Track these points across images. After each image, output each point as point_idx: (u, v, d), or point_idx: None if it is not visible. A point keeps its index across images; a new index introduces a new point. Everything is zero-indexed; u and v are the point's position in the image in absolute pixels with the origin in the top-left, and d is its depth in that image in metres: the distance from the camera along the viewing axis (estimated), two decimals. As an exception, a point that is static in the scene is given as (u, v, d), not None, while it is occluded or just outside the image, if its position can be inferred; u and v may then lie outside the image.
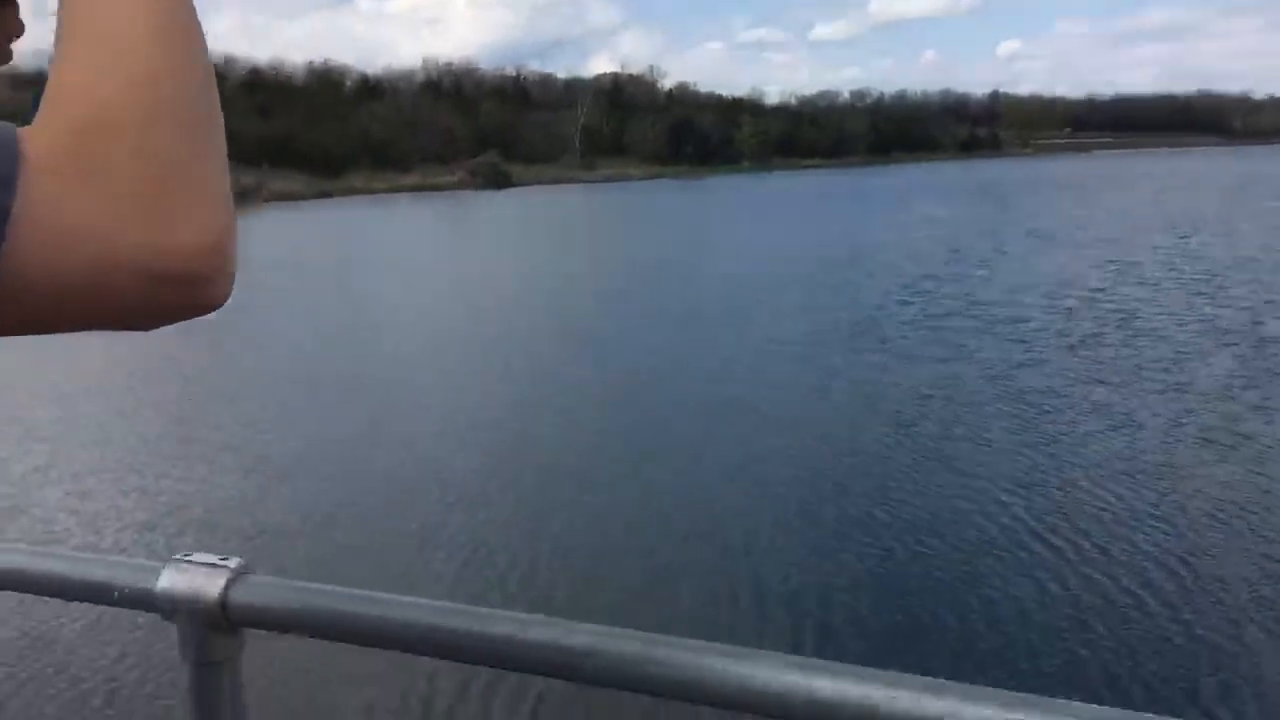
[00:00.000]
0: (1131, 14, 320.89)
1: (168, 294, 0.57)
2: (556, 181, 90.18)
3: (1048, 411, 11.08)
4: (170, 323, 0.60)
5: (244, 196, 60.07)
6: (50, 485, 9.76)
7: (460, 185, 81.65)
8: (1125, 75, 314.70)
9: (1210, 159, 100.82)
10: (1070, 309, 17.03)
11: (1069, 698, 0.82)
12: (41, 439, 11.18)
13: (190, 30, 0.62)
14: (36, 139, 0.54)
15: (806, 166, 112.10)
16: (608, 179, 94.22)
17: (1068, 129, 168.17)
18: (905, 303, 18.40)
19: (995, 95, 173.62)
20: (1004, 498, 8.53)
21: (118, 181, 0.55)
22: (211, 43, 0.67)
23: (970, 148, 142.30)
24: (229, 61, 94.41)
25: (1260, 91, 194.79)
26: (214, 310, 0.61)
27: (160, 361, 15.06)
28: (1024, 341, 14.64)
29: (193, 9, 0.64)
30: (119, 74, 0.58)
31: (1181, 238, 27.33)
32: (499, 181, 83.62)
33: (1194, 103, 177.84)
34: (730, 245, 31.06)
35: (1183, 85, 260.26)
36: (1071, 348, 14.10)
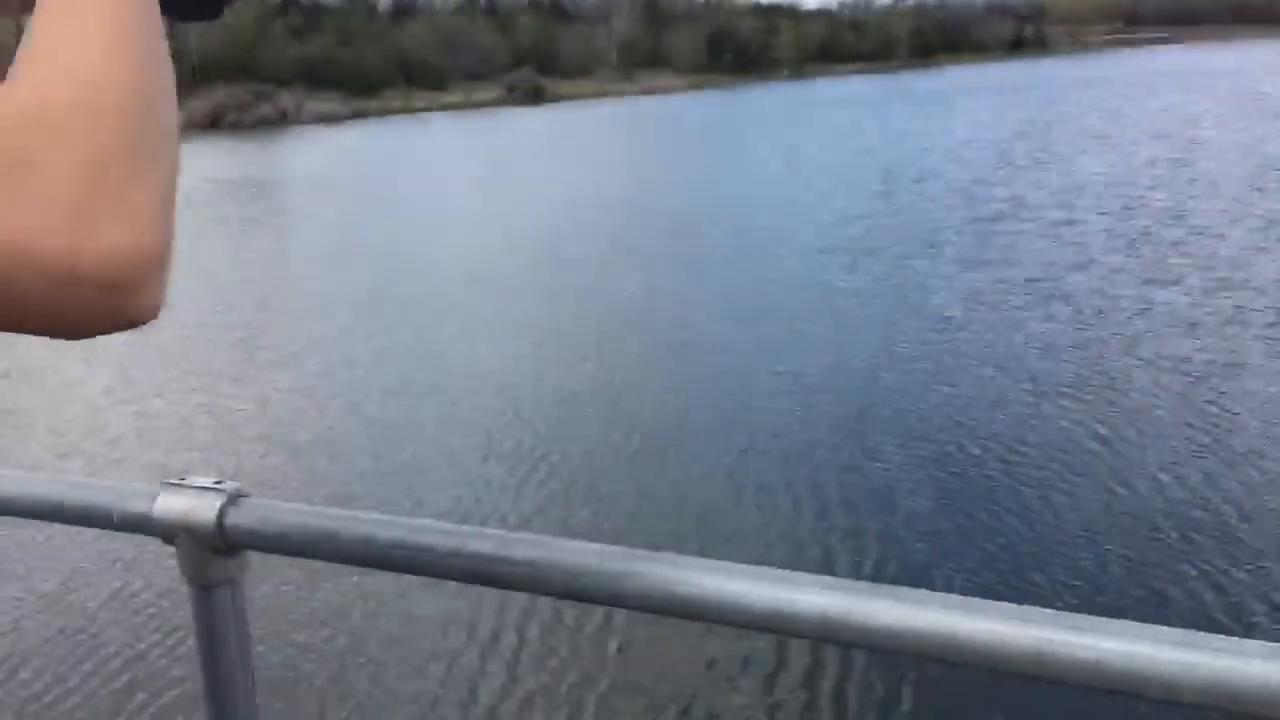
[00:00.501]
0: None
1: (87, 299, 0.55)
2: (595, 95, 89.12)
3: (1101, 313, 11.06)
4: (94, 333, 0.58)
5: (282, 118, 60.13)
6: (73, 403, 10.06)
7: (498, 102, 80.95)
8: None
9: (1273, 52, 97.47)
10: (1122, 209, 16.80)
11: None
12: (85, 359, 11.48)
13: (147, 40, 0.63)
14: None
15: (848, 72, 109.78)
16: (646, 91, 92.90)
17: (1118, 23, 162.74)
18: (952, 207, 18.23)
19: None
20: (1059, 401, 8.60)
21: (43, 180, 0.54)
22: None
23: (1017, 47, 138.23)
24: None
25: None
26: (142, 323, 0.59)
27: (199, 278, 15.34)
28: (1076, 244, 14.52)
29: (157, 19, 0.65)
30: (63, 76, 0.58)
31: (1236, 133, 26.66)
32: (537, 96, 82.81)
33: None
34: (771, 155, 30.73)
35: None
36: (1125, 248, 13.97)
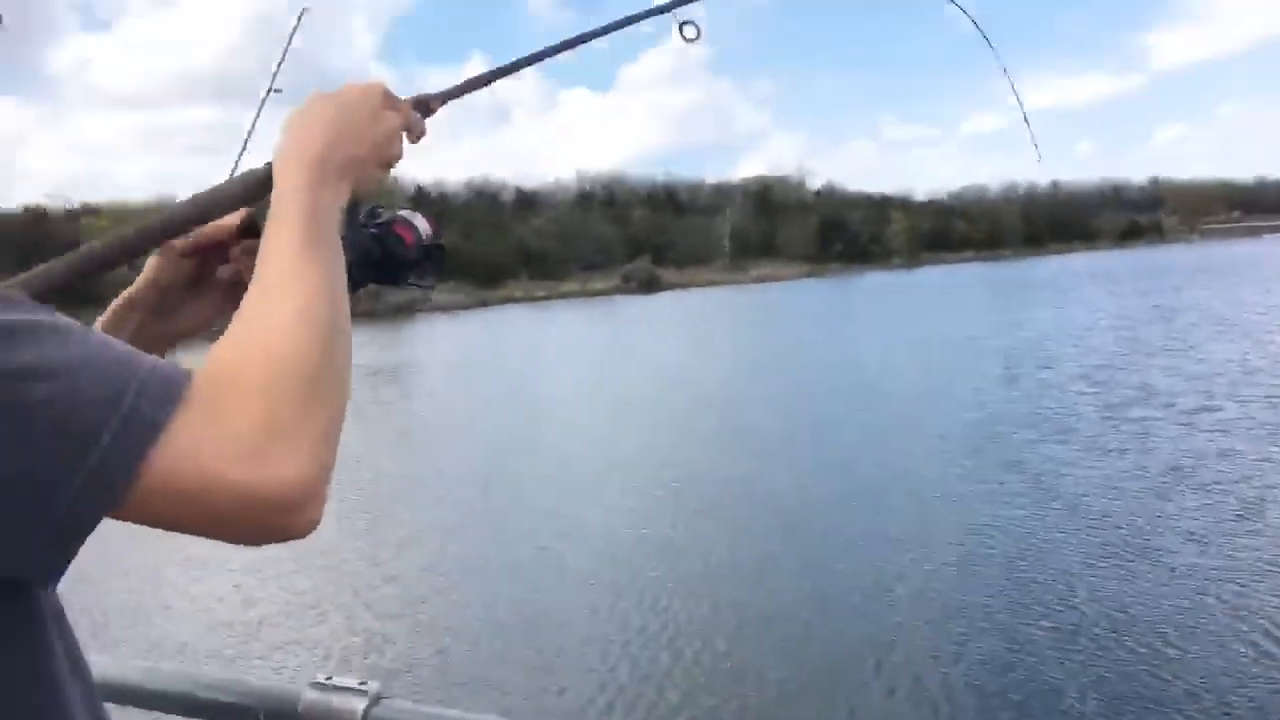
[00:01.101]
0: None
1: (261, 517, 0.72)
2: (708, 284, 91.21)
3: (1250, 505, 10.66)
4: (264, 543, 0.75)
5: (411, 307, 62.86)
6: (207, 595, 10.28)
7: (614, 290, 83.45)
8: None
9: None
10: (1264, 398, 16.30)
11: None
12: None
13: (328, 312, 0.83)
14: (197, 373, 0.73)
15: (959, 260, 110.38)
16: (759, 280, 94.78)
17: (1236, 212, 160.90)
18: (1081, 393, 17.94)
19: (1155, 181, 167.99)
20: (1213, 593, 8.24)
21: (231, 425, 0.71)
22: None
23: (1131, 235, 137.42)
24: (394, 184, 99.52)
25: None
26: (302, 536, 0.75)
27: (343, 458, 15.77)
28: (1218, 431, 14.09)
29: (341, 290, 0.87)
30: (255, 344, 0.78)
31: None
32: (652, 285, 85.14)
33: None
34: (888, 341, 30.83)
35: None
36: (1269, 438, 13.51)
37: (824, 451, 15.00)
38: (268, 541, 0.75)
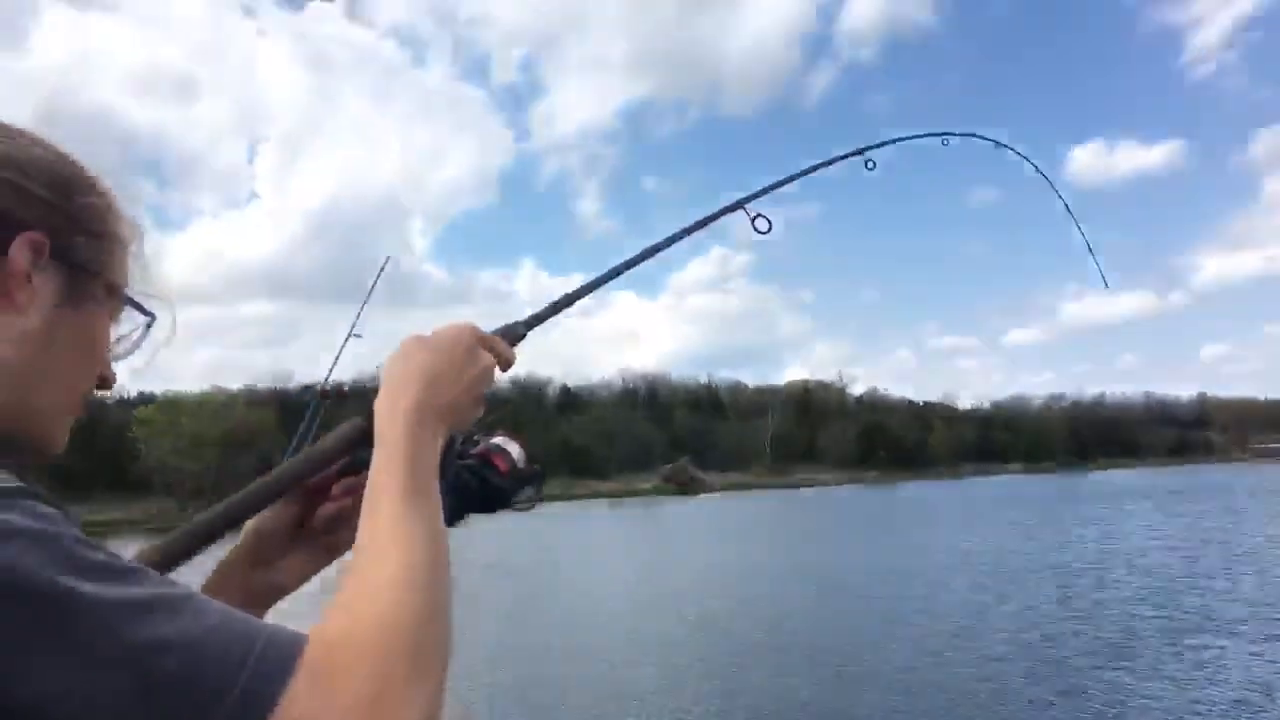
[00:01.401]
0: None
1: None
2: (749, 487, 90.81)
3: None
4: None
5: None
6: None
7: (655, 491, 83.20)
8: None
9: None
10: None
11: None
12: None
13: (436, 585, 0.85)
14: (309, 643, 0.75)
15: (1004, 472, 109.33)
16: (799, 484, 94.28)
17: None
18: (1138, 616, 17.22)
19: (1203, 397, 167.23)
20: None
21: (343, 697, 0.72)
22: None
23: (1179, 452, 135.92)
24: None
25: None
26: None
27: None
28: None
29: (445, 556, 0.90)
30: (367, 611, 0.80)
31: None
32: (693, 487, 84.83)
33: None
34: (934, 554, 30.08)
35: None
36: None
37: (869, 673, 14.35)
38: None
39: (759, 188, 1.43)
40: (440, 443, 0.99)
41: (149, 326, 0.99)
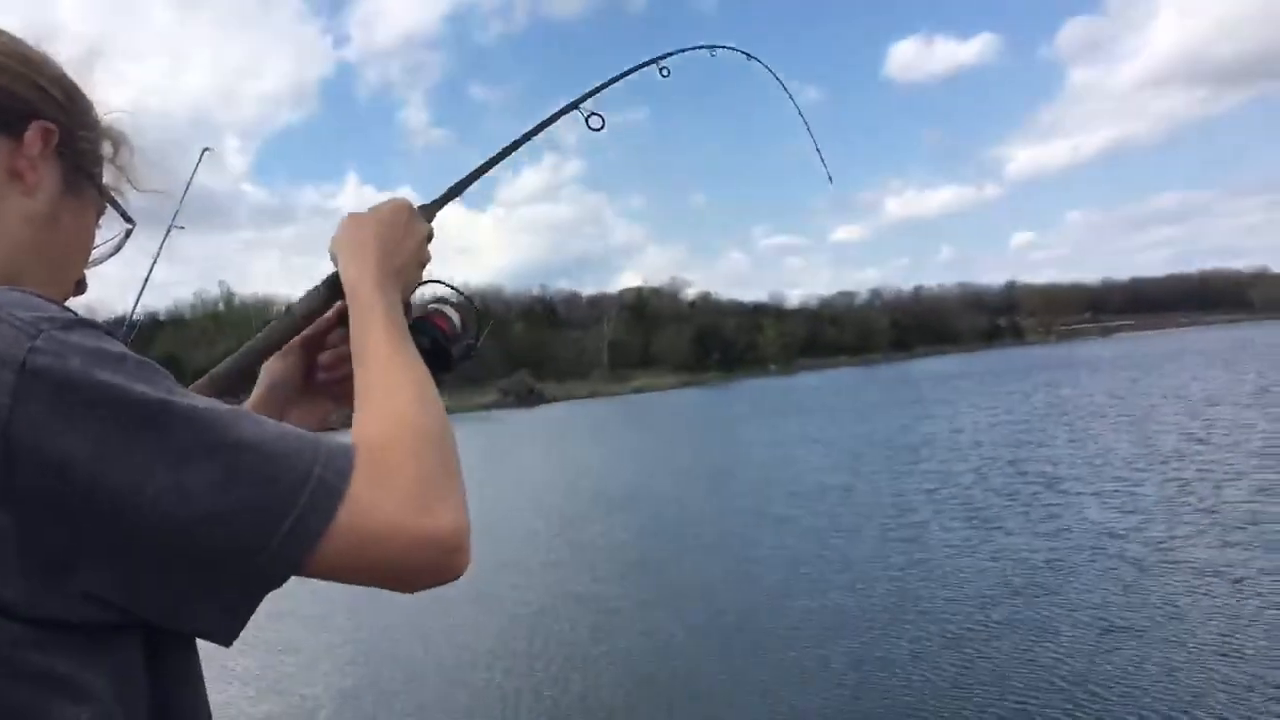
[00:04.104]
0: (1141, 199, 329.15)
1: (433, 560, 0.83)
2: (588, 395, 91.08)
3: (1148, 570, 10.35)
4: (434, 584, 0.85)
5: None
6: None
7: (494, 405, 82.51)
8: (1140, 257, 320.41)
9: (1228, 333, 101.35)
10: (1155, 478, 16.38)
11: None
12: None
13: (431, 395, 0.98)
14: (358, 448, 0.85)
15: (831, 365, 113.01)
16: (637, 390, 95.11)
17: (1088, 313, 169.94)
18: (987, 481, 17.79)
19: (1012, 285, 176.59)
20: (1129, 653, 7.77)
21: (401, 483, 0.83)
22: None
23: (993, 337, 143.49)
24: (269, 301, 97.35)
25: (1276, 266, 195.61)
26: (461, 575, 0.87)
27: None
28: (1131, 512, 13.98)
29: (433, 386, 1.00)
30: (397, 419, 0.91)
31: (1215, 406, 26.79)
32: (531, 399, 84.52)
33: (1209, 280, 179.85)
34: (766, 441, 30.66)
35: (1197, 264, 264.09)
36: (1169, 514, 13.42)
37: (726, 541, 14.32)
38: (435, 583, 0.85)
39: (582, 92, 1.49)
40: (402, 303, 1.12)
41: (128, 234, 1.08)
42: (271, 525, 0.75)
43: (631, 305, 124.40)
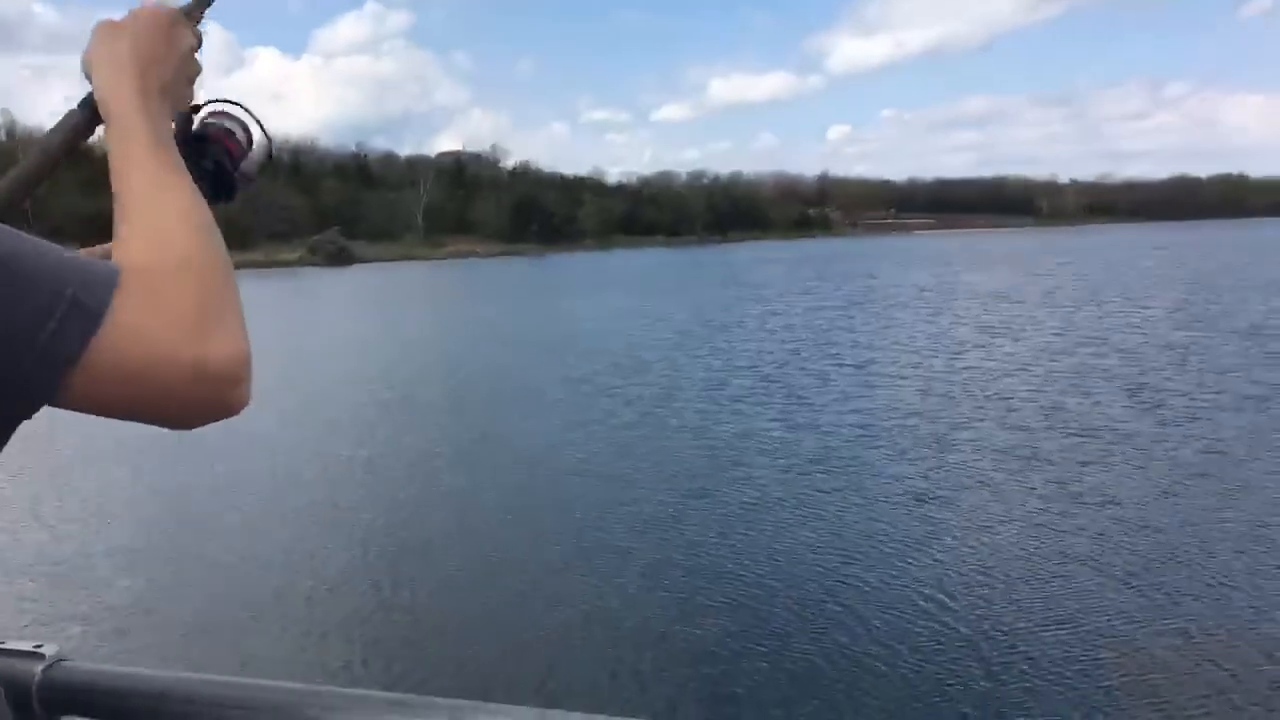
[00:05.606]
0: (949, 103, 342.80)
1: (208, 391, 0.77)
2: (400, 258, 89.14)
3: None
4: (210, 419, 0.79)
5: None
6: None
7: (302, 262, 79.77)
8: (945, 160, 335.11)
9: (1016, 238, 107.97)
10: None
11: None
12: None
13: (204, 220, 0.88)
14: (122, 268, 0.77)
15: (647, 244, 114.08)
16: (452, 256, 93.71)
17: (892, 210, 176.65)
18: (802, 360, 18.74)
19: (825, 177, 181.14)
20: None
21: (174, 305, 0.77)
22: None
23: (802, 226, 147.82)
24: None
25: (1064, 176, 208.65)
26: (239, 411, 0.81)
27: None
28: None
29: (208, 210, 0.90)
30: (161, 242, 0.82)
31: (983, 301, 28.91)
32: (342, 259, 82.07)
33: (1006, 186, 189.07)
34: (591, 315, 31.16)
35: (996, 169, 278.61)
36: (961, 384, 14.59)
37: (495, 418, 14.73)
38: (211, 418, 0.79)
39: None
40: (170, 122, 1.00)
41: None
42: (20, 349, 0.69)
43: (450, 170, 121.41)
